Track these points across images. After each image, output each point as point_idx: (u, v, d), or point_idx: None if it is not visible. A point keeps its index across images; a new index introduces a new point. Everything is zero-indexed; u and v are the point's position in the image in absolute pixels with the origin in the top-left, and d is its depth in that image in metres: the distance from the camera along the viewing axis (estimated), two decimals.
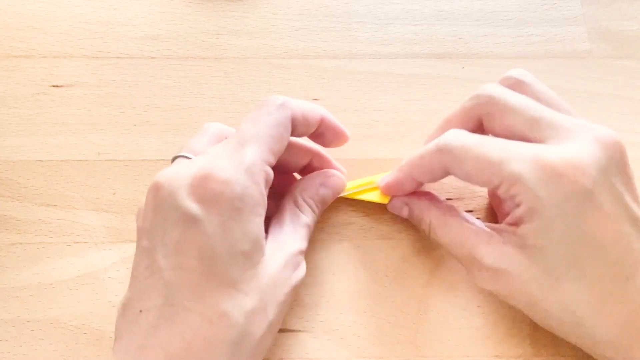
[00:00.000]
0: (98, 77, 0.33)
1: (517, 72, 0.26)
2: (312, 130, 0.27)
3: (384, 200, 0.28)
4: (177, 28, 0.35)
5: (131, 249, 0.25)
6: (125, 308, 0.23)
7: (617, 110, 0.33)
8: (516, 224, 0.23)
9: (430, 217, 0.27)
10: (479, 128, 0.26)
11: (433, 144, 0.25)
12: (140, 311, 0.22)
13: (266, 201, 0.24)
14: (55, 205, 0.30)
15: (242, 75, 0.33)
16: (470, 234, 0.25)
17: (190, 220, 0.22)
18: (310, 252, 0.29)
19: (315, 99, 0.33)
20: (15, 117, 0.32)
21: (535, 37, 0.35)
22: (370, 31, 0.35)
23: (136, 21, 0.35)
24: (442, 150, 0.24)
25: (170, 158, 0.26)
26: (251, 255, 0.23)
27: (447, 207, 0.27)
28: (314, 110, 0.26)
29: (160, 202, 0.22)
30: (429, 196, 0.28)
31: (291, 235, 0.25)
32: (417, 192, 0.28)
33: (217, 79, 0.33)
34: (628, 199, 0.23)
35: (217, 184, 0.22)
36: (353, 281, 0.28)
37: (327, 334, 0.27)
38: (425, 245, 0.29)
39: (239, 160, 0.23)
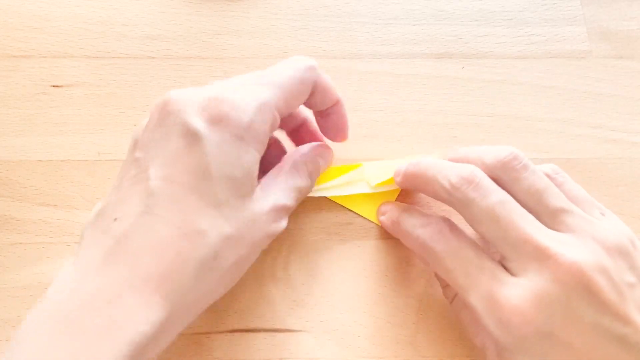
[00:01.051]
0: (98, 77, 0.33)
1: (506, 155, 0.25)
2: (324, 107, 0.27)
3: (377, 219, 0.29)
4: (177, 28, 0.35)
5: None
6: (98, 216, 0.22)
7: (617, 110, 0.33)
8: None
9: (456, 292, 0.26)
10: None
11: (418, 229, 0.26)
12: (115, 219, 0.21)
13: (266, 142, 0.24)
14: (55, 205, 0.30)
15: None
16: (483, 331, 0.25)
17: (192, 135, 0.22)
18: (310, 252, 0.29)
19: None
20: (15, 117, 0.32)
21: (535, 37, 0.35)
22: (371, 31, 0.35)
23: (136, 21, 0.35)
24: (423, 246, 0.25)
25: None
26: (241, 185, 0.23)
27: None
28: (334, 89, 0.27)
29: (165, 116, 0.22)
30: None
31: (283, 189, 0.25)
32: None
33: (217, 79, 0.33)
34: (607, 322, 0.21)
35: (226, 106, 0.22)
36: (353, 281, 0.28)
37: (327, 334, 0.27)
38: None
39: (254, 96, 0.23)
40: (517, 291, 0.22)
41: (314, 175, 0.28)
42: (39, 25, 0.34)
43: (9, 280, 0.28)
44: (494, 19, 0.35)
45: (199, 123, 0.22)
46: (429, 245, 0.25)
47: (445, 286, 0.27)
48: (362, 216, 0.30)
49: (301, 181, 0.26)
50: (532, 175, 0.24)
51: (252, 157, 0.23)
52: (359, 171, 0.30)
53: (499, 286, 0.22)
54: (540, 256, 0.22)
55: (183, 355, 0.27)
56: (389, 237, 0.29)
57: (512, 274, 0.23)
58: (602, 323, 0.21)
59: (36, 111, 0.32)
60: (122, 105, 0.32)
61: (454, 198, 0.24)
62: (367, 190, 0.29)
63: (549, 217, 0.24)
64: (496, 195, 0.24)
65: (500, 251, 0.24)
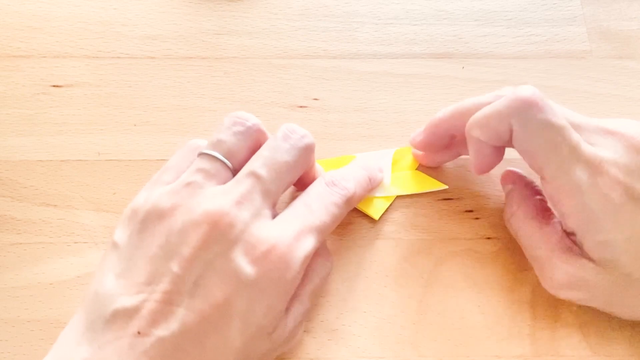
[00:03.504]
0: (98, 77, 0.33)
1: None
2: None
3: (375, 215, 0.29)
4: (177, 28, 0.35)
5: None
6: (119, 313, 0.21)
7: (617, 110, 0.33)
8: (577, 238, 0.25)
9: (519, 206, 0.27)
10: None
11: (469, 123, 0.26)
12: (139, 332, 0.21)
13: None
14: (55, 205, 0.30)
15: (242, 75, 0.33)
16: (547, 238, 0.25)
17: (239, 282, 0.22)
18: None
19: (315, 99, 0.33)
20: (15, 117, 0.32)
21: (535, 37, 0.35)
22: (371, 31, 0.35)
23: (136, 21, 0.35)
24: (499, 127, 0.25)
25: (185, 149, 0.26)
26: (267, 331, 0.23)
27: (536, 202, 0.27)
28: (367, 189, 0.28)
29: (211, 242, 0.22)
30: (530, 186, 0.28)
31: (300, 302, 0.25)
32: (524, 179, 0.29)
33: (217, 79, 0.33)
34: None
35: (277, 263, 0.22)
36: (353, 281, 0.28)
37: (327, 334, 0.27)
38: (425, 245, 0.29)
39: (302, 247, 0.23)
40: (606, 153, 0.24)
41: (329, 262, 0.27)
42: (39, 25, 0.34)
43: (9, 280, 0.28)
44: (494, 19, 0.35)
45: (249, 271, 0.22)
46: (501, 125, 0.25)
47: (505, 207, 0.28)
48: (360, 211, 0.30)
49: (315, 283, 0.26)
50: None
51: (283, 306, 0.23)
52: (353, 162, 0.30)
53: (592, 148, 0.24)
54: (604, 132, 0.25)
55: None
56: (389, 237, 0.29)
57: None
58: None
59: (36, 111, 0.32)
60: (122, 105, 0.32)
61: (513, 105, 0.24)
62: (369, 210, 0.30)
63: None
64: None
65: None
